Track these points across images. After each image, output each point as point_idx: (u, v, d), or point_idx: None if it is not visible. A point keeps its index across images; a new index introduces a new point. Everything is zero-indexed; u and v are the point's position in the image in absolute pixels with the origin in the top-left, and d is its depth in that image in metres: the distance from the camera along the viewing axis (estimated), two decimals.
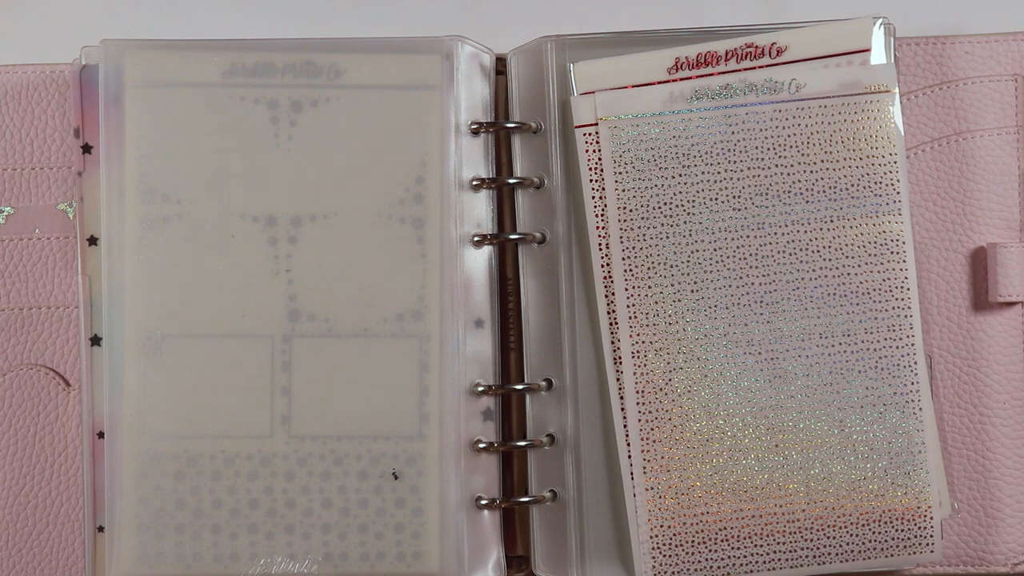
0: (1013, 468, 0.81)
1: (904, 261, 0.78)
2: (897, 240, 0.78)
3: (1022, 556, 0.81)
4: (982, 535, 0.81)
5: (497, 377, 0.80)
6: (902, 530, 0.77)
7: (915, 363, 0.77)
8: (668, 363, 0.77)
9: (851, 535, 0.77)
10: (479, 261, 0.80)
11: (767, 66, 0.78)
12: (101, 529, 0.78)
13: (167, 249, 0.78)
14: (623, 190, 0.78)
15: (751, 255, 0.78)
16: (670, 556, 0.77)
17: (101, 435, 0.78)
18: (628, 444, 0.78)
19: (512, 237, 0.80)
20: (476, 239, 0.79)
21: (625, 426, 0.78)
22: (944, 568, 0.81)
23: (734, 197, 0.78)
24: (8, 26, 0.87)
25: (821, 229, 0.77)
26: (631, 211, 0.78)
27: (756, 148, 0.78)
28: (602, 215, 0.78)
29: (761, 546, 0.77)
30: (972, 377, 0.81)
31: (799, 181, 0.78)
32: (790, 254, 0.77)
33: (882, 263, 0.77)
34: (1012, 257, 0.80)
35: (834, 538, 0.77)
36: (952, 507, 0.79)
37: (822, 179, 0.78)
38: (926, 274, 0.81)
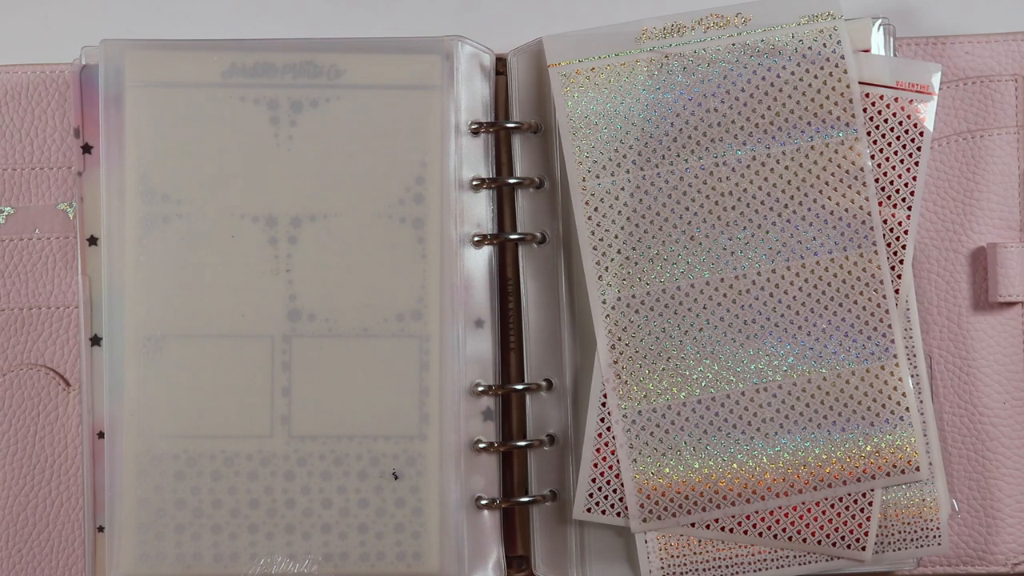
0: (1013, 468, 0.81)
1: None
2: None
3: (1022, 556, 0.81)
4: (982, 535, 0.81)
5: (497, 377, 0.80)
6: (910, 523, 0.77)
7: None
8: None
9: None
10: (479, 261, 0.80)
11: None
12: (101, 529, 0.78)
13: (167, 249, 0.78)
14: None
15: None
16: (676, 556, 0.78)
17: (101, 435, 0.78)
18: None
19: (512, 237, 0.80)
20: (476, 239, 0.79)
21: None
22: (944, 568, 0.81)
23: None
24: (8, 26, 0.87)
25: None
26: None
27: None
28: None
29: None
30: (972, 377, 0.81)
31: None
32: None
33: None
34: (1012, 257, 0.80)
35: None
36: (952, 507, 0.79)
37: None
38: (926, 274, 0.81)
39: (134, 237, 0.78)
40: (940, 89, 0.81)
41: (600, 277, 0.78)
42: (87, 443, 0.78)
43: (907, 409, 0.77)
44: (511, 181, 0.80)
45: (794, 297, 0.78)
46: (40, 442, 0.81)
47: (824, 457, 0.77)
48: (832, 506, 0.77)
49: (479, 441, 0.79)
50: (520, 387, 0.80)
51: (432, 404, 0.78)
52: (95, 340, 0.78)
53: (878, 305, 0.77)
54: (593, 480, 0.78)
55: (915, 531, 0.78)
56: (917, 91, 0.78)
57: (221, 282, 0.78)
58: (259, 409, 0.78)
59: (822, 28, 0.78)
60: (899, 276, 0.78)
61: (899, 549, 0.78)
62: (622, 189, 0.78)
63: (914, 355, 0.78)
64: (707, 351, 0.77)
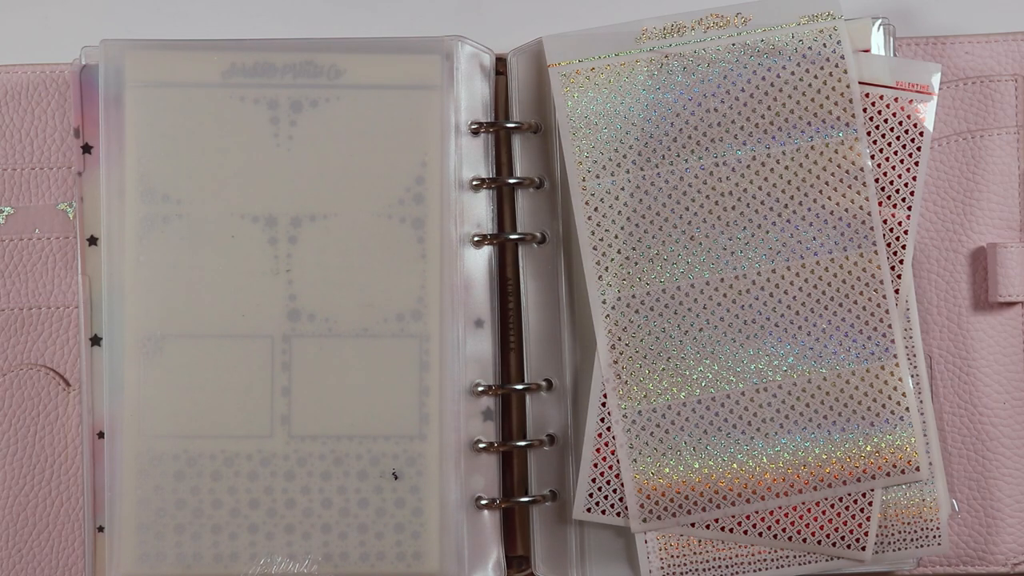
0: (1013, 468, 0.81)
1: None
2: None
3: (1022, 556, 0.81)
4: (982, 535, 0.81)
5: (497, 377, 0.80)
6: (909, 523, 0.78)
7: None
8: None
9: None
10: (479, 261, 0.80)
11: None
12: (101, 529, 0.78)
13: (167, 249, 0.78)
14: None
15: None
16: (676, 556, 0.78)
17: (101, 435, 0.78)
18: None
19: (512, 237, 0.80)
20: (476, 239, 0.79)
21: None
22: (944, 568, 0.81)
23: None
24: (8, 26, 0.87)
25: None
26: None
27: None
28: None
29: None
30: (972, 377, 0.81)
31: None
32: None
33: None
34: (1012, 257, 0.80)
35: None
36: (952, 507, 0.79)
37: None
38: (926, 274, 0.81)
39: (134, 237, 0.78)
40: (940, 89, 0.81)
41: (600, 277, 0.78)
42: (87, 443, 0.78)
43: (907, 409, 0.77)
44: (511, 181, 0.80)
45: (794, 297, 0.78)
46: (40, 442, 0.81)
47: (824, 457, 0.77)
48: (832, 506, 0.77)
49: (479, 441, 0.79)
50: (520, 387, 0.80)
51: (432, 404, 0.78)
52: (95, 340, 0.78)
53: (878, 305, 0.77)
54: (593, 480, 0.78)
55: (915, 531, 0.78)
56: (917, 91, 0.78)
57: (221, 282, 0.78)
58: (259, 409, 0.78)
59: (822, 28, 0.78)
60: (899, 276, 0.78)
61: (899, 549, 0.78)
62: (622, 189, 0.78)
63: (914, 355, 0.78)
64: (707, 351, 0.77)
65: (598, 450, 0.78)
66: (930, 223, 0.81)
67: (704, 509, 0.77)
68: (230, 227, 0.78)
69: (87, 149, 0.79)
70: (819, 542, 0.77)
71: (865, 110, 0.78)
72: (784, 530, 0.77)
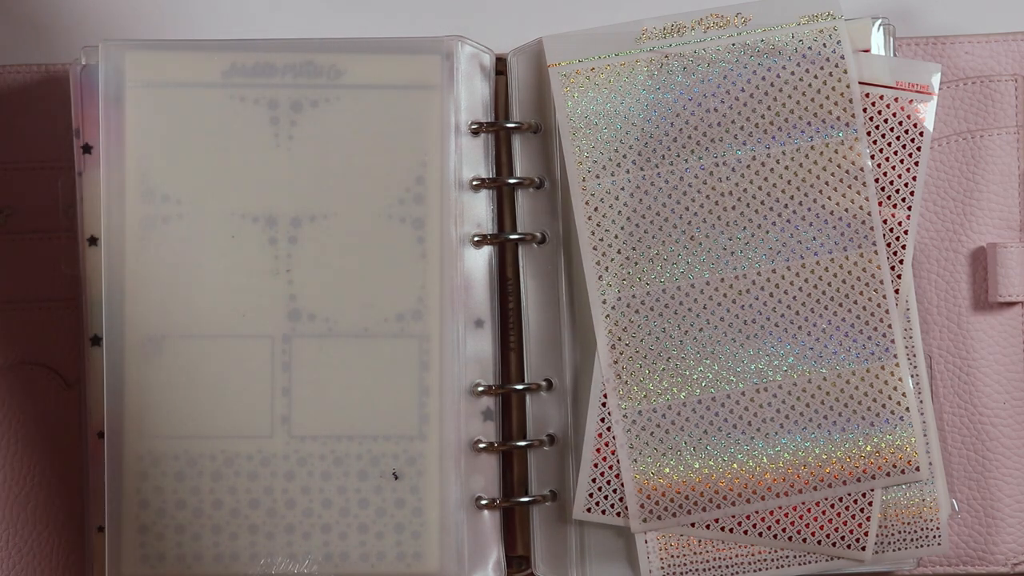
0: (1013, 468, 0.81)
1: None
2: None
3: (1022, 556, 0.81)
4: (982, 535, 0.81)
5: (497, 377, 0.80)
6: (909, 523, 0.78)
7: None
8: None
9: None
10: (479, 261, 0.80)
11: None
12: (101, 529, 0.78)
13: (167, 249, 0.78)
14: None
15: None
16: (676, 556, 0.78)
17: (101, 435, 0.78)
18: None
19: (512, 237, 0.80)
20: (476, 239, 0.79)
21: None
22: (944, 568, 0.81)
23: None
24: (8, 26, 0.87)
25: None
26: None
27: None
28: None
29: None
30: (972, 377, 0.81)
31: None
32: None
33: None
34: (1012, 257, 0.80)
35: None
36: (952, 507, 0.79)
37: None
38: (926, 274, 0.81)
39: (134, 237, 0.78)
40: (940, 89, 0.81)
41: (600, 277, 0.78)
42: (87, 443, 0.78)
43: (907, 409, 0.77)
44: (511, 181, 0.80)
45: (794, 297, 0.78)
46: (40, 442, 0.81)
47: (824, 457, 0.77)
48: (832, 506, 0.77)
49: (479, 441, 0.79)
50: (520, 387, 0.80)
51: (432, 404, 0.78)
52: (95, 340, 0.78)
53: (878, 305, 0.78)
54: (593, 480, 0.78)
55: (915, 531, 0.78)
56: (917, 91, 0.78)
57: (221, 282, 0.78)
58: (259, 409, 0.78)
59: (822, 28, 0.78)
60: (899, 276, 0.78)
61: (899, 549, 0.78)
62: (622, 189, 0.78)
63: (914, 355, 0.78)
64: (707, 351, 0.78)
65: (598, 450, 0.78)
66: (930, 223, 0.81)
67: (704, 509, 0.77)
68: (230, 227, 0.78)
69: (87, 149, 0.79)
70: (819, 542, 0.77)
71: (865, 110, 0.78)
72: (784, 530, 0.77)
